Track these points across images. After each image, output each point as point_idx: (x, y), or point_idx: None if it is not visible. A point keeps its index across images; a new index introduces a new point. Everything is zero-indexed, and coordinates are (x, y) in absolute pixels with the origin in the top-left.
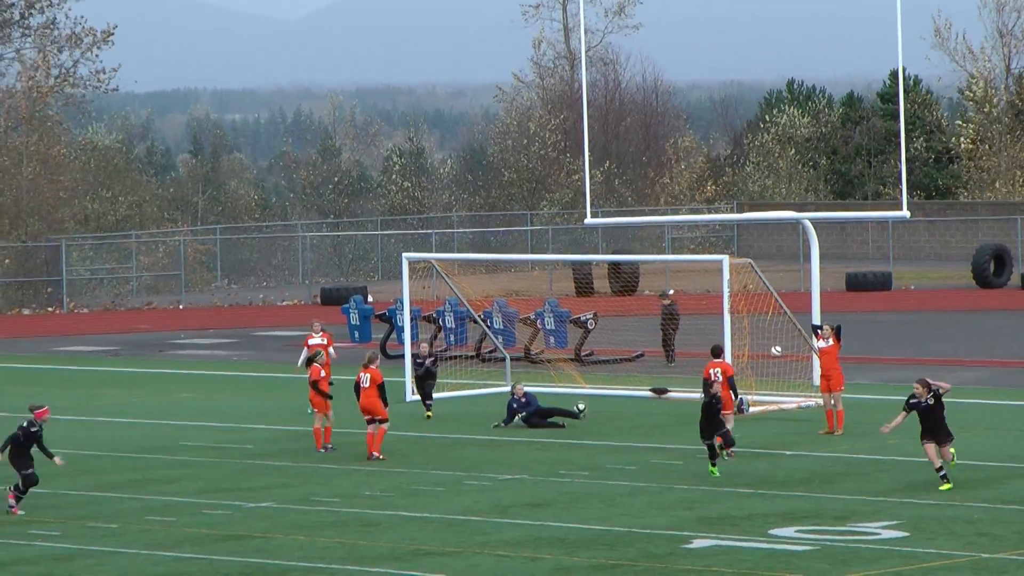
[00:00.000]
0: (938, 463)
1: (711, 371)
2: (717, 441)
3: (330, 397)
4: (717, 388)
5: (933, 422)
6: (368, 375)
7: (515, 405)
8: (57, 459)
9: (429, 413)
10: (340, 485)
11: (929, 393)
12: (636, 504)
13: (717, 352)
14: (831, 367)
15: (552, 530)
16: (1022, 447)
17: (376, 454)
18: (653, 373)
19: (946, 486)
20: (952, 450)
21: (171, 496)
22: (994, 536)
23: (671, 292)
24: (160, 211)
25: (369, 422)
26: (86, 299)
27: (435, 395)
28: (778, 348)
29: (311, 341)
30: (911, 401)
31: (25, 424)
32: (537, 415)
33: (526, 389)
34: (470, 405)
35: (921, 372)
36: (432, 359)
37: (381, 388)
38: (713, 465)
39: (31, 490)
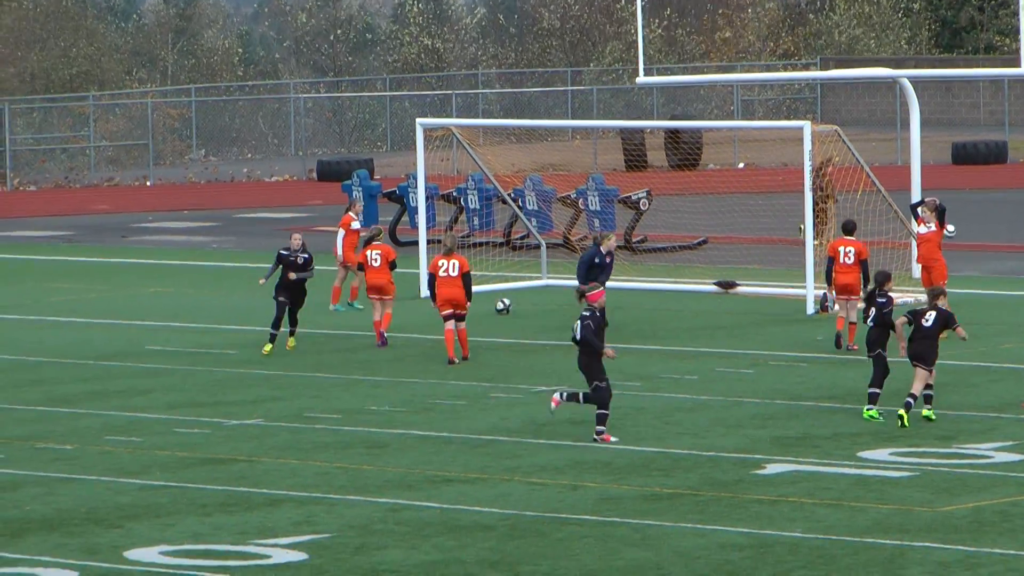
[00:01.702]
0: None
1: (840, 248)
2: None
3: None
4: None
5: None
6: (456, 262)
7: (597, 260)
8: None
9: (291, 340)
10: (341, 399)
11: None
12: (698, 421)
13: (849, 228)
14: (932, 256)
15: (597, 452)
16: None
17: (454, 358)
18: (718, 263)
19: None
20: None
21: (137, 412)
22: None
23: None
24: (122, 68)
25: (448, 318)
26: (34, 174)
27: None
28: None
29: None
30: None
31: None
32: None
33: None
34: (510, 299)
35: None
36: (307, 257)
37: (467, 277)
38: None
39: None
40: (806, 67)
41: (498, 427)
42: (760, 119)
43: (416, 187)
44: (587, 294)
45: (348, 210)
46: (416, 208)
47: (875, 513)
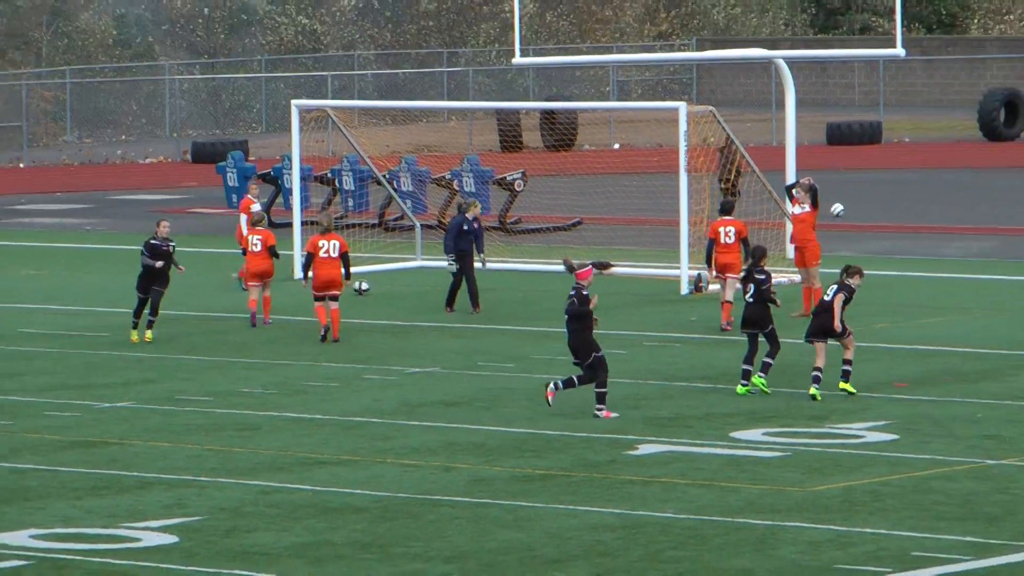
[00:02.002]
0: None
1: (721, 229)
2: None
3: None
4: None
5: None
6: (336, 242)
7: (465, 227)
8: None
9: (149, 334)
10: (213, 381)
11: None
12: (570, 402)
13: (728, 208)
14: (806, 236)
15: (469, 434)
16: None
17: (327, 322)
18: (593, 244)
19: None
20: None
21: (8, 395)
22: (1001, 439)
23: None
24: None
25: (320, 299)
26: None
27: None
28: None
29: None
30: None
31: None
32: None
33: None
34: (372, 283)
35: (917, 241)
36: (171, 245)
37: (346, 257)
38: (749, 384)
39: None
40: (682, 48)
41: (371, 409)
42: (636, 100)
43: (291, 169)
44: (576, 271)
45: (247, 193)
46: (291, 190)
47: (747, 493)
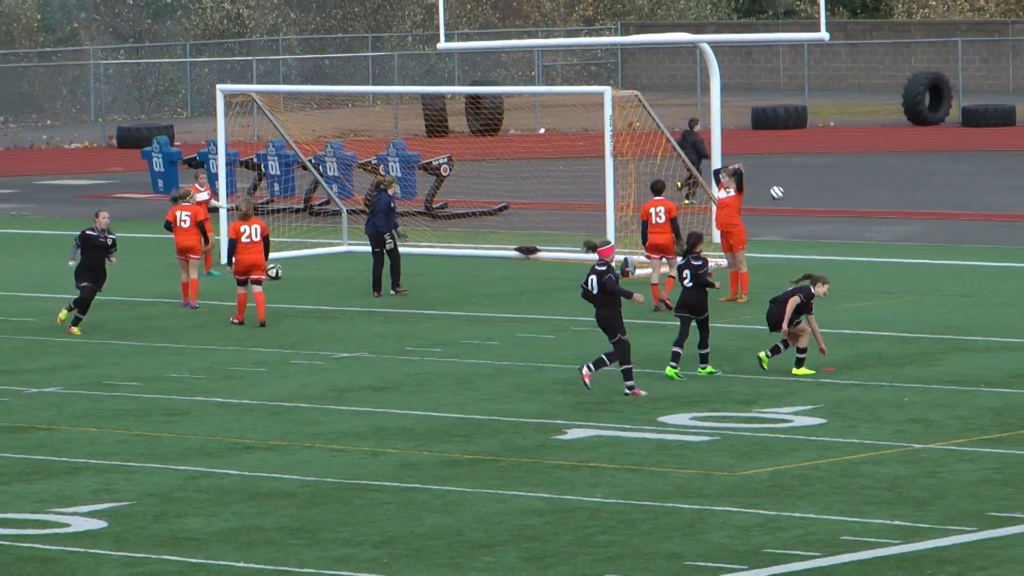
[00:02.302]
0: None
1: (652, 210)
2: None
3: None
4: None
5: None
6: (257, 227)
7: (392, 205)
8: None
9: (74, 329)
10: (141, 366)
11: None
12: (498, 387)
13: (658, 188)
14: (731, 221)
15: (397, 419)
16: (963, 315)
17: (242, 320)
18: (519, 229)
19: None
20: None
21: None
22: (928, 423)
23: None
24: None
25: (242, 283)
26: None
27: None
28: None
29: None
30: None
31: None
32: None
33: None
34: (298, 268)
35: (842, 226)
36: (109, 238)
37: (267, 241)
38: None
39: None
40: (607, 33)
41: (299, 394)
42: (561, 85)
43: (216, 153)
44: (599, 248)
45: (195, 180)
46: (216, 174)
47: (675, 478)
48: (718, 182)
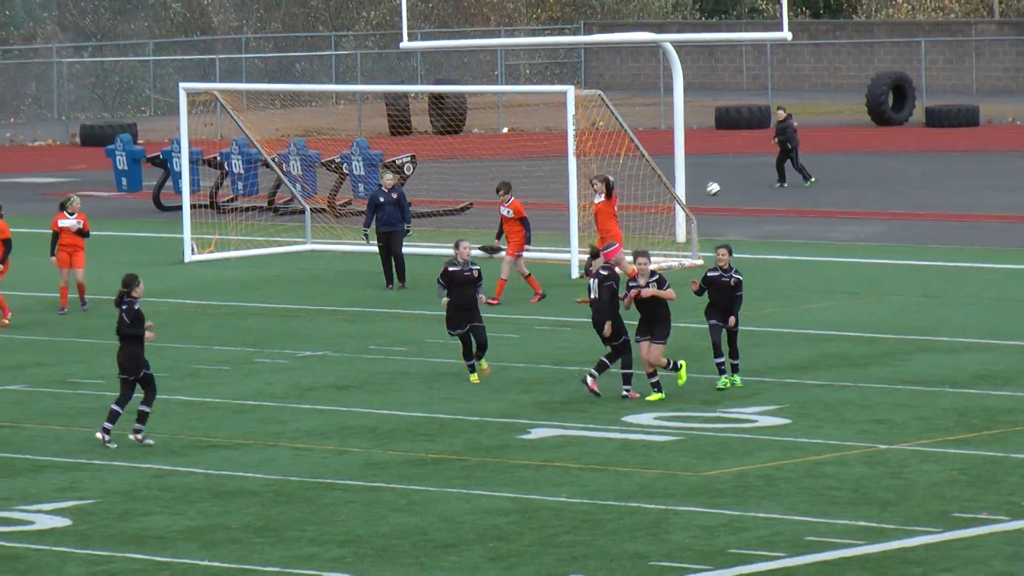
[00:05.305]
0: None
1: (502, 210)
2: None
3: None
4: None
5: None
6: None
7: (382, 199)
8: None
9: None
10: (104, 364)
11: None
12: (462, 387)
13: (503, 188)
14: (604, 226)
15: (362, 417)
16: (925, 315)
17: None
18: (482, 228)
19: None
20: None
21: None
22: (892, 424)
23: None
24: None
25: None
26: None
27: (220, 254)
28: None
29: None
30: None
31: None
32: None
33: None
34: (262, 266)
35: (805, 226)
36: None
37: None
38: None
39: None
40: (570, 31)
41: (263, 392)
42: (525, 83)
43: (180, 152)
44: (603, 252)
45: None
46: (180, 173)
47: (640, 477)
48: (593, 187)
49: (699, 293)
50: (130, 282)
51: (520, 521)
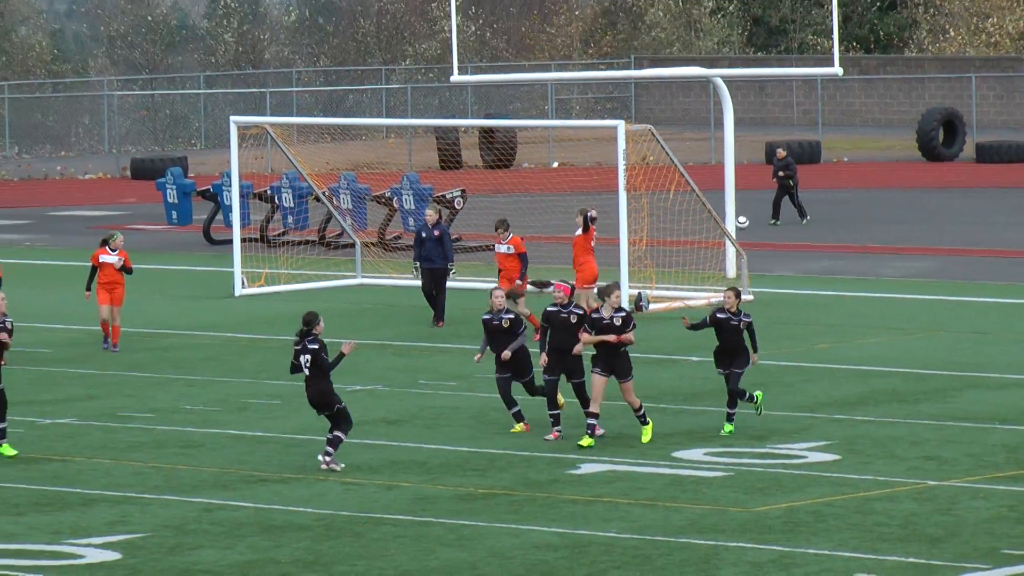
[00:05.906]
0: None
1: (500, 247)
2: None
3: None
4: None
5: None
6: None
7: (424, 235)
8: None
9: None
10: (155, 398)
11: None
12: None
13: (501, 225)
14: (578, 260)
15: (411, 452)
16: (976, 352)
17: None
18: (532, 263)
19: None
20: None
21: None
22: (942, 460)
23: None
24: None
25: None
26: None
27: (270, 287)
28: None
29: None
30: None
31: None
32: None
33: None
34: (312, 300)
35: (856, 261)
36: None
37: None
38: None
39: None
40: (620, 66)
41: (313, 426)
42: (576, 117)
43: (230, 185)
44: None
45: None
46: (230, 206)
47: (689, 513)
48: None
49: (693, 329)
50: (311, 320)
51: (569, 556)
